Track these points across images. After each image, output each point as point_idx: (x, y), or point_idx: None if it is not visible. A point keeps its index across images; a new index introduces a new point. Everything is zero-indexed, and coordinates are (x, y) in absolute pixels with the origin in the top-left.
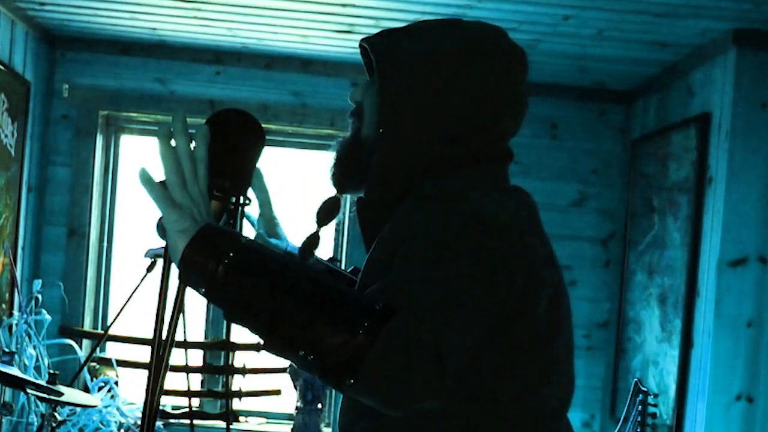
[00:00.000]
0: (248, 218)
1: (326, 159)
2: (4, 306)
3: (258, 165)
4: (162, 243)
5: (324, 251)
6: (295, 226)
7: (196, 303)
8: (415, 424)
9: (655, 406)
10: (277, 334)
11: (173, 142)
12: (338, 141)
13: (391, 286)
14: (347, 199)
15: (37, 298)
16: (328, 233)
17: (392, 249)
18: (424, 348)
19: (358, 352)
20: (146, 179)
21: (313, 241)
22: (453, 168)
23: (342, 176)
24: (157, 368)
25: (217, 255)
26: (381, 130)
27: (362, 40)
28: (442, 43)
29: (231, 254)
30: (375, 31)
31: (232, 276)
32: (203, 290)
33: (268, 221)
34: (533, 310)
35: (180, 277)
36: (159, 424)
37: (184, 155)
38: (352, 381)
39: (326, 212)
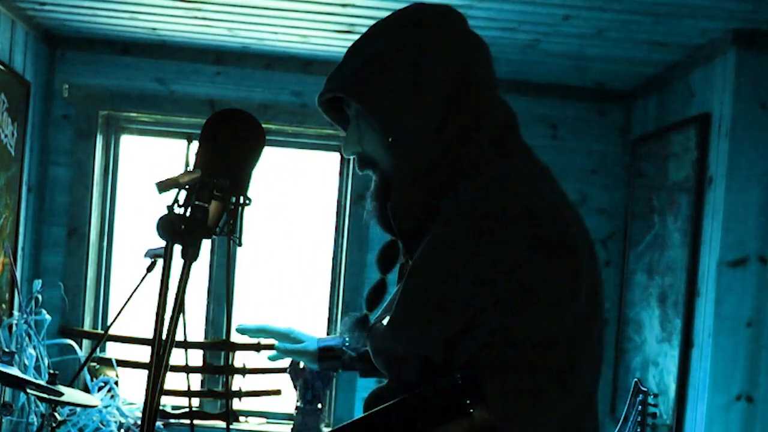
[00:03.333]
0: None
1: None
2: (4, 306)
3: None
4: (162, 243)
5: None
6: (294, 228)
7: (196, 303)
8: None
9: (655, 406)
10: None
11: None
12: (369, 194)
13: (466, 343)
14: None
15: (37, 298)
16: (329, 238)
17: (435, 268)
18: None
19: (485, 422)
20: None
21: (379, 289)
22: (477, 154)
23: (403, 222)
24: (157, 368)
25: None
26: (390, 139)
27: (324, 93)
28: (398, 45)
29: None
30: None
31: None
32: None
33: (285, 339)
34: (577, 301)
35: None
36: (159, 424)
37: None
38: None
39: (387, 259)
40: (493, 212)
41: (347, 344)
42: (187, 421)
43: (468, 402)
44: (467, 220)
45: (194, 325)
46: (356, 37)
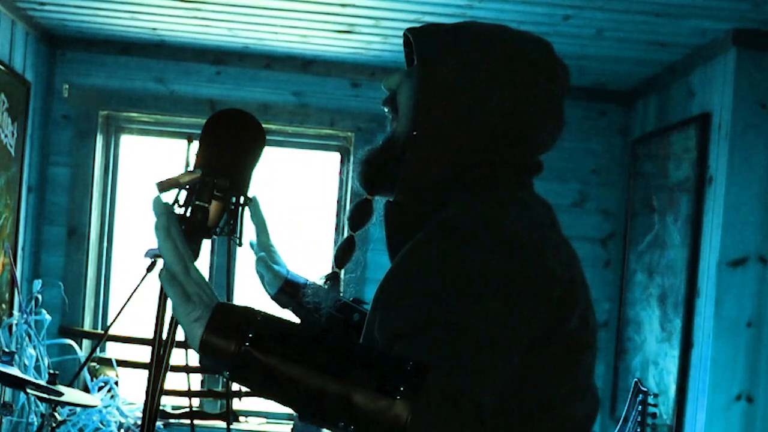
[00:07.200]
0: (251, 247)
1: (355, 160)
2: (4, 306)
3: (254, 194)
4: None
5: (323, 265)
6: (294, 227)
7: None
8: None
9: (655, 406)
10: (313, 408)
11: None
12: (370, 147)
13: (419, 336)
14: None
15: (37, 298)
16: (329, 240)
17: (406, 282)
18: (464, 403)
19: (400, 418)
20: (169, 278)
21: (348, 246)
22: (482, 179)
23: (372, 176)
24: (157, 368)
25: (238, 336)
26: (415, 133)
27: (408, 29)
28: (488, 51)
29: (250, 334)
30: (375, 31)
31: (256, 355)
32: (228, 373)
33: (265, 249)
34: (565, 330)
35: (201, 363)
36: (159, 424)
37: (179, 240)
38: None
39: (359, 216)
40: (466, 239)
41: (310, 286)
42: (187, 421)
43: (401, 389)
44: (440, 235)
45: None
46: (356, 36)
